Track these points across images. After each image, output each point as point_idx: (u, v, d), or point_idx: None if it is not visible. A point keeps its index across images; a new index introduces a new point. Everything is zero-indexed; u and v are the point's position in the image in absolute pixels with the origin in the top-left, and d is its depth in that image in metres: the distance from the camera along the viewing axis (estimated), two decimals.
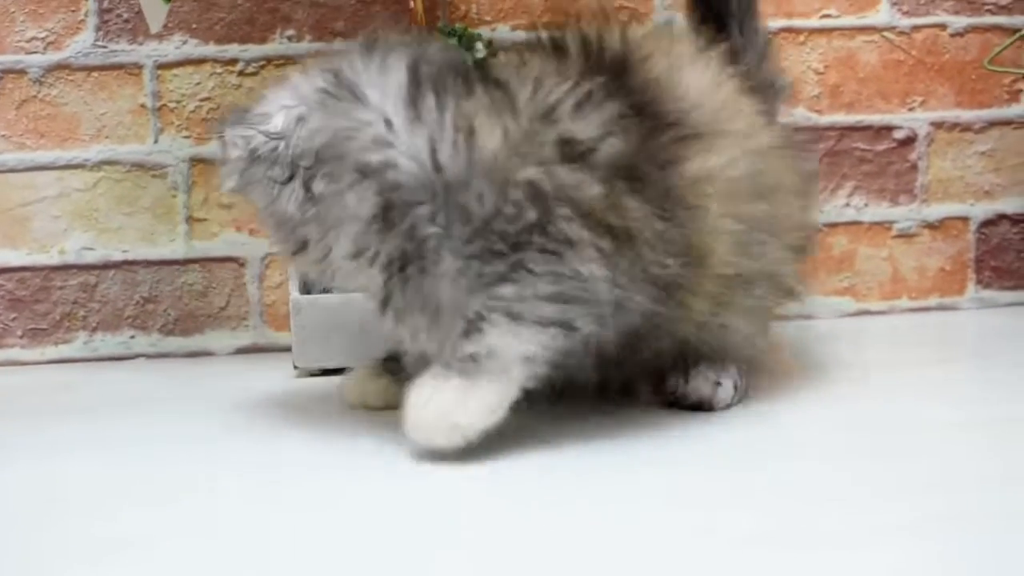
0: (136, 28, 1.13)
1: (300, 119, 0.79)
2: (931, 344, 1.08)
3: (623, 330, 0.79)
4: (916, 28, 1.22)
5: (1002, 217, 1.25)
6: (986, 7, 1.22)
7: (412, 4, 1.03)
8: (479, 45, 1.03)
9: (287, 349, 1.06)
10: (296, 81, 0.83)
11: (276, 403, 0.94)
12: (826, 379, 0.94)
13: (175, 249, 1.15)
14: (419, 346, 0.81)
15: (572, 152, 0.76)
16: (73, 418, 0.92)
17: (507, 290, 0.76)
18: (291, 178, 0.79)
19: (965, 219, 1.25)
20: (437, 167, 0.76)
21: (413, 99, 0.78)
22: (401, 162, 0.77)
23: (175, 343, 1.15)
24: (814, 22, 1.19)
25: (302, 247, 0.82)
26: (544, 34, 0.84)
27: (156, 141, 1.14)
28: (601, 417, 0.81)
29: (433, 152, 0.77)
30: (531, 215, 0.75)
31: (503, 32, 1.16)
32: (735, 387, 0.87)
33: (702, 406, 0.86)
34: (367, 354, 1.01)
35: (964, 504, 0.65)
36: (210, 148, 1.14)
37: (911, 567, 0.57)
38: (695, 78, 0.84)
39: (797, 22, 1.19)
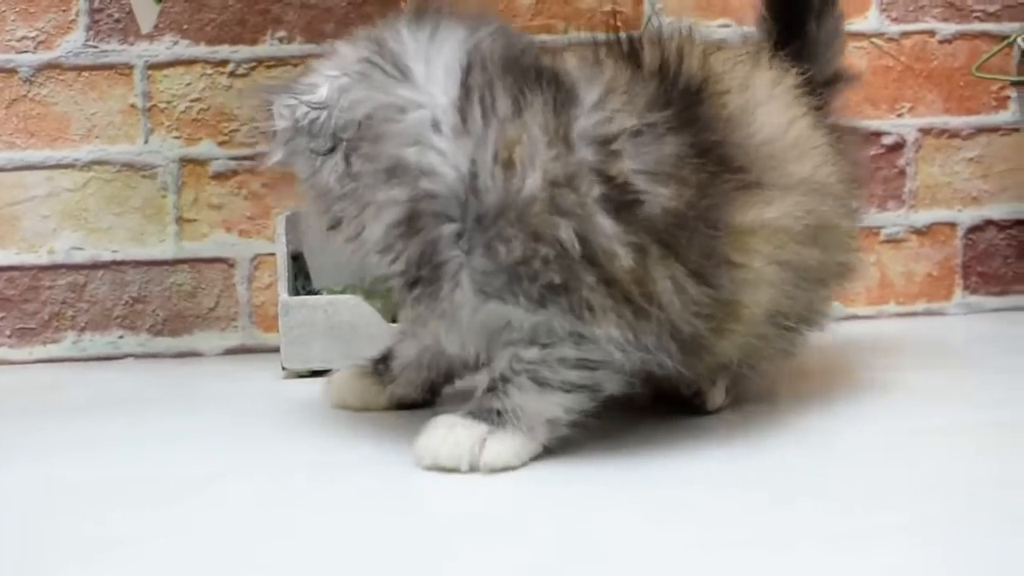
0: (127, 28, 1.13)
1: (343, 89, 0.76)
2: (918, 349, 1.09)
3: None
4: (905, 34, 1.22)
5: (989, 223, 1.26)
6: (974, 14, 1.23)
7: (403, 6, 1.03)
8: None
9: (276, 350, 1.06)
10: (343, 50, 0.79)
11: (264, 404, 0.94)
12: (813, 384, 0.95)
13: (164, 249, 1.15)
14: (439, 345, 0.81)
15: (618, 199, 0.72)
16: (61, 418, 0.92)
17: (531, 352, 0.75)
18: (332, 150, 0.76)
19: (952, 225, 1.25)
20: (475, 190, 0.72)
21: (462, 107, 0.74)
22: (440, 171, 0.73)
23: (164, 343, 1.15)
24: None
25: (337, 223, 0.78)
26: (624, 37, 0.79)
27: (146, 141, 1.14)
28: (606, 428, 0.81)
29: (474, 174, 0.72)
30: (556, 278, 0.72)
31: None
32: (727, 390, 0.87)
33: (693, 402, 0.86)
34: (356, 355, 1.01)
35: (953, 508, 0.66)
36: (200, 149, 1.14)
37: (904, 569, 0.58)
38: (770, 115, 0.80)
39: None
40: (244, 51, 1.15)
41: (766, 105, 0.81)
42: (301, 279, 1.08)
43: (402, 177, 0.74)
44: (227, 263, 1.16)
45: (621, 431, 0.81)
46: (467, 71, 0.75)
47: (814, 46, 0.92)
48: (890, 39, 1.22)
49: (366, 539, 0.63)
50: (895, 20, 1.22)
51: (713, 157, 0.75)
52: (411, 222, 0.74)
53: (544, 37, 1.16)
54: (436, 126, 0.74)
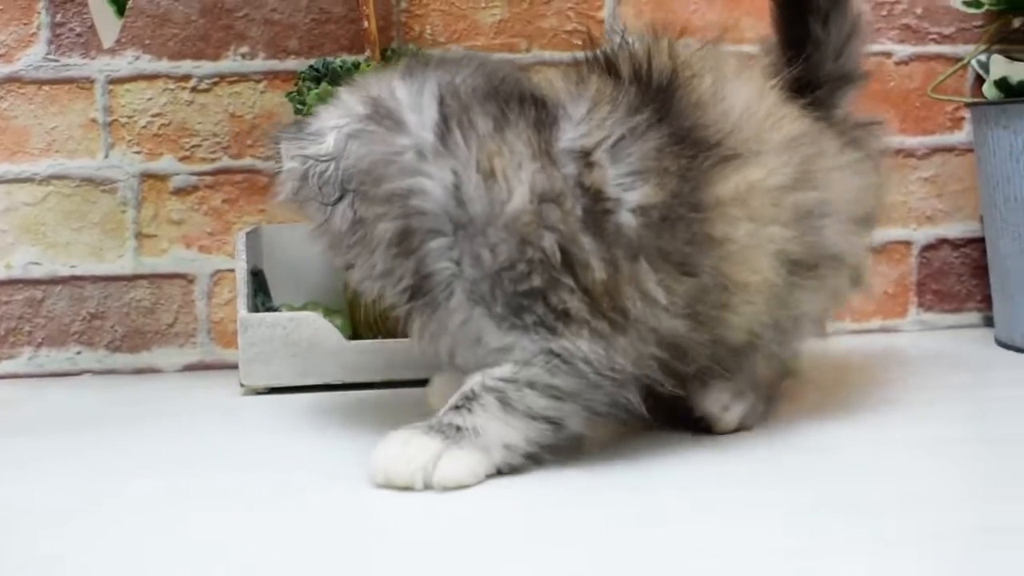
0: (88, 42, 1.13)
1: (348, 140, 0.79)
2: (874, 366, 1.10)
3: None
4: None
5: (943, 242, 1.27)
6: (930, 36, 1.25)
7: (366, 24, 1.04)
8: None
9: (234, 366, 1.06)
10: (345, 99, 0.82)
11: (223, 421, 0.94)
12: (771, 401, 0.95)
13: (123, 265, 1.14)
14: (455, 361, 0.82)
15: (596, 209, 0.75)
16: (17, 434, 0.91)
17: (504, 370, 0.76)
18: (340, 199, 0.79)
19: (907, 243, 1.27)
20: (460, 201, 0.76)
21: (441, 132, 0.78)
22: (427, 189, 0.77)
23: (122, 359, 1.15)
24: None
25: (351, 266, 0.82)
26: (599, 52, 0.82)
27: (106, 156, 1.14)
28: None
29: (457, 186, 0.76)
30: (537, 281, 0.74)
31: (457, 53, 1.17)
32: (743, 414, 0.86)
33: (701, 423, 0.86)
34: (314, 372, 1.01)
35: (910, 522, 0.66)
36: (160, 164, 1.14)
37: None
38: (740, 91, 0.83)
39: (747, 48, 1.20)
40: (207, 66, 1.15)
41: (735, 81, 0.83)
42: (261, 295, 1.08)
43: (395, 202, 0.77)
44: (186, 279, 1.15)
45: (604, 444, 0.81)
46: (441, 101, 0.78)
47: (821, 47, 0.93)
48: None
49: (318, 559, 0.64)
50: None
51: (689, 141, 0.77)
52: (405, 240, 0.77)
53: (507, 55, 1.17)
54: (421, 154, 0.77)
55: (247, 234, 1.05)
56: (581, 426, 0.77)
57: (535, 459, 0.76)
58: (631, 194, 0.75)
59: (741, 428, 0.86)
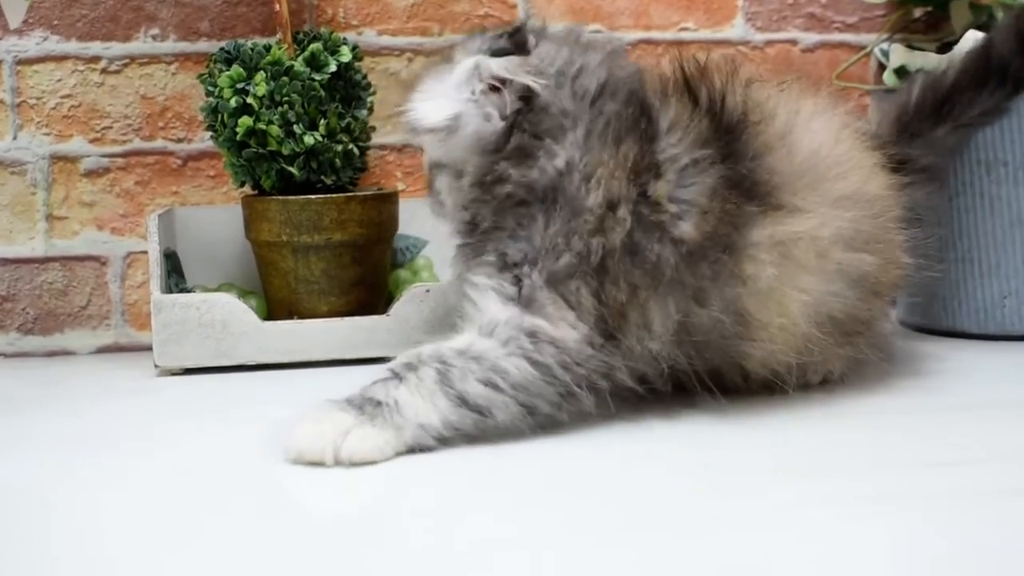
0: None
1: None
2: None
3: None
4: (769, 43, 1.27)
5: None
6: (834, 25, 1.28)
7: (278, 6, 1.04)
8: (344, 49, 1.04)
9: (149, 348, 1.05)
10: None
11: (137, 402, 0.94)
12: None
13: (34, 247, 1.14)
14: None
15: (651, 219, 0.78)
16: None
17: (461, 340, 0.77)
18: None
19: None
20: (560, 185, 0.81)
21: (588, 131, 0.82)
22: (545, 165, 0.82)
23: (34, 342, 1.14)
24: (671, 35, 1.23)
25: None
26: (682, 72, 0.83)
27: (15, 138, 1.13)
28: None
29: (562, 173, 0.80)
30: (564, 262, 0.78)
31: (370, 36, 1.17)
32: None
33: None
34: (228, 353, 1.01)
35: (860, 487, 0.69)
36: (71, 145, 1.13)
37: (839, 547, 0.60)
38: (811, 135, 0.84)
39: (655, 34, 1.23)
40: (116, 48, 1.14)
41: (809, 123, 0.84)
42: (175, 277, 1.08)
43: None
44: (99, 261, 1.15)
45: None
46: (599, 94, 0.83)
47: (933, 144, 1.02)
48: (755, 47, 1.26)
49: (230, 540, 0.64)
50: (760, 29, 1.26)
51: (740, 188, 0.79)
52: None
53: (420, 40, 1.18)
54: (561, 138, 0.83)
55: (160, 216, 1.05)
56: (510, 422, 0.76)
57: (446, 442, 0.76)
58: (678, 222, 0.78)
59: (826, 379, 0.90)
